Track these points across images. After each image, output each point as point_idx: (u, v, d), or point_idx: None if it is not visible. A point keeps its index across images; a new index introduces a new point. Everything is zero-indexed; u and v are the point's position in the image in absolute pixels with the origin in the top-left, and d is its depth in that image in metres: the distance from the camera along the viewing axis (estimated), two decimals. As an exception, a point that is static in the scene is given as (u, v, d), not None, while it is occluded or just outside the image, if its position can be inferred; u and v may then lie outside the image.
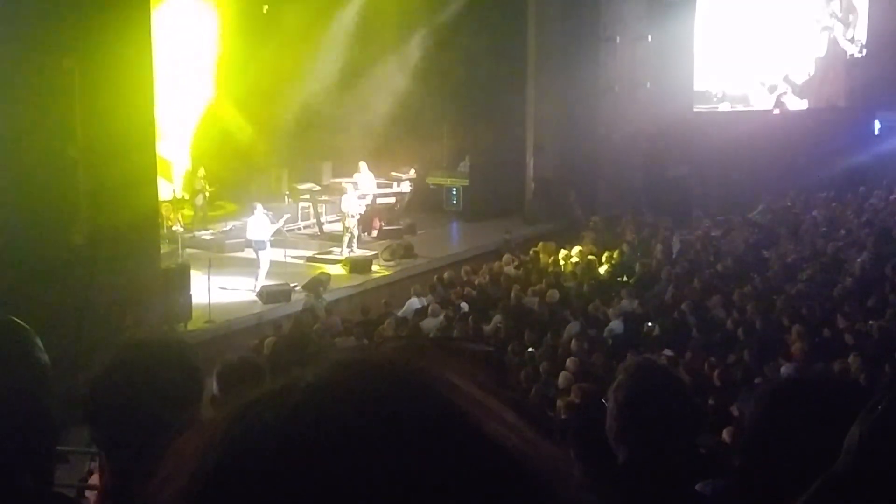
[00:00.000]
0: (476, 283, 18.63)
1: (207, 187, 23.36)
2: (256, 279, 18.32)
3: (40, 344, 1.85)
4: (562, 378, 11.88)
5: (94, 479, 8.53)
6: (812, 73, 30.09)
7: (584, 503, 0.78)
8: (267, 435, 0.72)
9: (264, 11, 24.96)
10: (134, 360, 2.15)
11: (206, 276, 16.74)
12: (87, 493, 8.31)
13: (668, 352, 13.03)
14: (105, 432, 2.10)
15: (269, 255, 18.79)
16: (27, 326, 1.87)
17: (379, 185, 23.44)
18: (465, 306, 16.76)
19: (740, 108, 29.44)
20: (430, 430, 0.72)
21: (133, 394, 2.07)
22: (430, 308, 16.58)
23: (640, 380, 3.08)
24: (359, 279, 19.44)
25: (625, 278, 18.35)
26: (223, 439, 0.74)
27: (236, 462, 0.71)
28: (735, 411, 9.37)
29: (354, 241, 20.87)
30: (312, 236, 22.82)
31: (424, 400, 0.74)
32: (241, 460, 0.71)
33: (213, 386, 4.49)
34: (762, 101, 29.75)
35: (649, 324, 14.84)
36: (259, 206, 19.08)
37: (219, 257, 19.48)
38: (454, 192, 25.82)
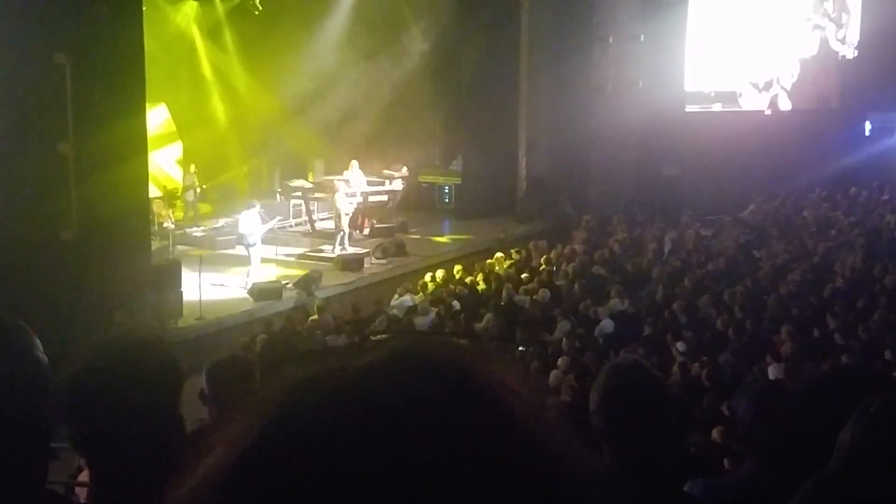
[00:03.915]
0: (468, 281, 18.64)
1: (198, 183, 23.33)
2: (247, 276, 18.30)
3: (39, 344, 1.85)
4: (552, 377, 11.89)
5: (84, 476, 8.51)
6: (804, 74, 30.14)
7: None
8: (318, 414, 0.73)
9: (257, 11, 24.92)
10: (112, 358, 2.15)
11: (198, 273, 16.72)
12: (77, 489, 8.31)
13: (680, 345, 13.07)
14: (82, 434, 2.10)
15: (259, 253, 18.78)
16: (26, 326, 1.86)
17: (371, 184, 23.43)
18: (456, 304, 16.77)
19: (732, 108, 29.46)
20: (478, 426, 0.73)
21: (111, 393, 2.06)
22: (419, 306, 16.60)
23: (615, 379, 3.09)
24: (350, 277, 19.43)
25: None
26: (274, 418, 0.74)
27: (287, 440, 0.72)
28: (725, 411, 9.38)
29: (346, 238, 20.86)
30: (304, 234, 22.80)
31: (475, 395, 0.75)
32: (291, 438, 0.72)
33: (203, 383, 4.49)
34: (754, 102, 29.79)
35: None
36: (257, 205, 19.07)
37: (210, 254, 19.45)
38: (446, 191, 25.84)
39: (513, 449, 0.73)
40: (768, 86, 29.85)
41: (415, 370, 0.76)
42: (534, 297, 16.75)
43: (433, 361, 0.78)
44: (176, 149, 24.05)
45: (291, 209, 23.51)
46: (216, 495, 0.73)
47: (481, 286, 18.20)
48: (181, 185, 23.44)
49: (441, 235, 23.46)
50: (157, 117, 22.45)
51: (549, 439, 0.75)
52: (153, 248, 17.47)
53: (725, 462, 7.00)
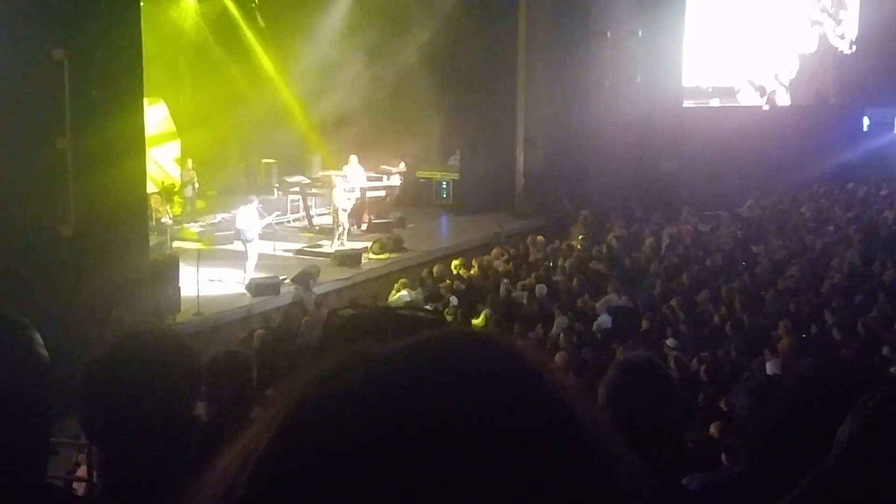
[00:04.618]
0: (465, 276, 18.64)
1: (196, 179, 23.32)
2: (245, 272, 18.29)
3: (39, 339, 1.84)
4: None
5: (82, 471, 8.52)
6: (802, 70, 30.13)
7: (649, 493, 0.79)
8: (346, 399, 0.71)
9: (254, 4, 24.95)
10: (133, 349, 2.15)
11: (195, 269, 16.71)
12: (75, 484, 8.31)
13: (671, 342, 13.07)
14: (98, 421, 2.10)
15: (257, 248, 18.76)
16: (26, 321, 1.86)
17: (369, 179, 23.42)
18: (454, 300, 16.77)
19: (730, 104, 29.45)
20: (519, 397, 0.73)
21: (130, 383, 2.07)
22: (416, 301, 16.60)
23: (626, 375, 3.09)
24: (348, 272, 19.42)
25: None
26: (305, 402, 0.73)
27: (318, 425, 0.71)
28: (723, 406, 9.40)
29: (344, 234, 20.86)
30: (302, 229, 22.79)
31: (513, 368, 0.75)
32: (323, 423, 0.71)
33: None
34: (752, 97, 29.79)
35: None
36: (255, 200, 19.07)
37: (208, 249, 19.43)
38: (444, 186, 25.83)
39: (566, 430, 0.73)
40: (765, 81, 29.84)
41: (443, 350, 0.75)
42: (531, 292, 16.76)
43: (463, 340, 0.77)
44: (174, 145, 24.04)
45: (289, 205, 23.49)
46: (244, 486, 0.71)
47: (479, 281, 18.20)
48: (179, 181, 23.43)
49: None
50: (157, 115, 22.44)
51: (594, 421, 0.75)
52: (151, 243, 17.46)
53: (723, 457, 7.01)
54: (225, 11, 24.80)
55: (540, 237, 21.13)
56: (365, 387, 0.72)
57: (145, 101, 16.89)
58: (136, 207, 15.62)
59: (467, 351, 0.76)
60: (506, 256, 19.91)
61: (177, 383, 2.14)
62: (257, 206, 18.93)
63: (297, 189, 23.47)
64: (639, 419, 2.93)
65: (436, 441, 0.68)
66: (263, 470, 0.71)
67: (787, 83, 30.14)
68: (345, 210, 20.84)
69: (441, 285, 17.86)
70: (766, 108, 29.71)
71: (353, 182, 22.22)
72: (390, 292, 17.62)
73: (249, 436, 0.74)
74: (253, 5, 25.03)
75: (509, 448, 0.69)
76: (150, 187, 18.84)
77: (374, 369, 0.73)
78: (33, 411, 1.79)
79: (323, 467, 0.69)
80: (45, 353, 1.84)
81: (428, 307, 15.99)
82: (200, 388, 2.25)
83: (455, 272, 18.92)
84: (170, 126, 23.81)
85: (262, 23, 25.00)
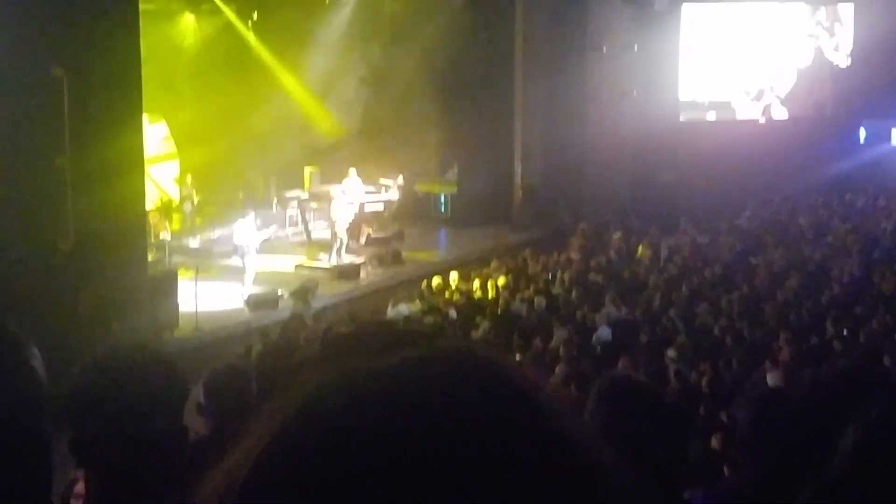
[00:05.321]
0: (464, 289, 18.63)
1: (195, 195, 23.34)
2: (243, 286, 18.28)
3: (37, 354, 1.83)
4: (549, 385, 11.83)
5: (80, 488, 8.48)
6: (799, 83, 30.16)
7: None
8: (344, 411, 0.71)
9: (251, 21, 25.01)
10: (116, 367, 2.14)
11: (194, 284, 16.70)
12: (72, 500, 8.26)
13: (671, 352, 13.04)
14: (85, 445, 2.08)
15: (255, 262, 18.75)
16: (24, 336, 1.85)
17: (367, 192, 23.43)
18: (453, 313, 16.75)
19: (727, 117, 29.46)
20: (508, 418, 0.72)
21: (113, 400, 2.06)
22: (414, 315, 16.60)
23: (607, 384, 3.09)
24: (347, 286, 19.41)
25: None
26: (295, 417, 0.73)
27: (308, 440, 0.71)
28: (724, 418, 9.37)
29: (342, 248, 20.84)
30: (300, 243, 22.78)
31: (501, 388, 0.74)
32: (312, 438, 0.70)
33: (199, 394, 4.48)
34: (749, 111, 29.81)
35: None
36: (251, 213, 19.08)
37: (206, 265, 19.43)
38: (442, 200, 25.85)
39: (555, 449, 0.72)
40: (761, 95, 29.87)
41: (446, 367, 0.75)
42: (530, 304, 16.74)
43: (466, 359, 0.76)
44: (174, 164, 24.08)
45: (287, 219, 23.50)
46: (236, 495, 0.71)
47: (478, 294, 18.20)
48: (179, 197, 23.46)
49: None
50: (157, 133, 22.47)
51: (585, 439, 0.74)
52: (150, 259, 17.46)
53: (725, 469, 6.98)
54: (224, 29, 24.86)
55: (537, 250, 21.11)
56: (347, 409, 0.71)
57: (146, 118, 16.91)
58: (134, 224, 15.62)
59: (453, 371, 0.74)
60: (504, 269, 19.90)
61: (160, 399, 2.12)
62: (254, 219, 18.94)
63: (295, 203, 23.47)
64: (623, 428, 2.92)
65: (417, 464, 0.68)
66: (247, 494, 0.70)
67: (783, 96, 30.17)
68: (343, 224, 20.82)
69: (440, 298, 17.86)
70: (762, 121, 29.73)
71: (351, 196, 22.21)
72: (388, 306, 17.62)
73: (235, 457, 0.73)
74: (250, 22, 25.09)
75: (497, 472, 0.68)
76: (149, 204, 18.85)
77: (356, 390, 0.73)
78: (32, 428, 1.78)
79: (304, 492, 0.68)
80: (42, 368, 1.83)
81: (427, 320, 16.01)
82: (186, 402, 2.24)
83: (454, 285, 18.92)
84: (170, 144, 23.84)
85: (258, 38, 25.06)
